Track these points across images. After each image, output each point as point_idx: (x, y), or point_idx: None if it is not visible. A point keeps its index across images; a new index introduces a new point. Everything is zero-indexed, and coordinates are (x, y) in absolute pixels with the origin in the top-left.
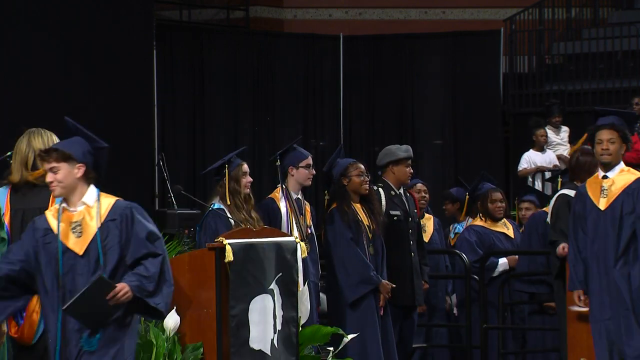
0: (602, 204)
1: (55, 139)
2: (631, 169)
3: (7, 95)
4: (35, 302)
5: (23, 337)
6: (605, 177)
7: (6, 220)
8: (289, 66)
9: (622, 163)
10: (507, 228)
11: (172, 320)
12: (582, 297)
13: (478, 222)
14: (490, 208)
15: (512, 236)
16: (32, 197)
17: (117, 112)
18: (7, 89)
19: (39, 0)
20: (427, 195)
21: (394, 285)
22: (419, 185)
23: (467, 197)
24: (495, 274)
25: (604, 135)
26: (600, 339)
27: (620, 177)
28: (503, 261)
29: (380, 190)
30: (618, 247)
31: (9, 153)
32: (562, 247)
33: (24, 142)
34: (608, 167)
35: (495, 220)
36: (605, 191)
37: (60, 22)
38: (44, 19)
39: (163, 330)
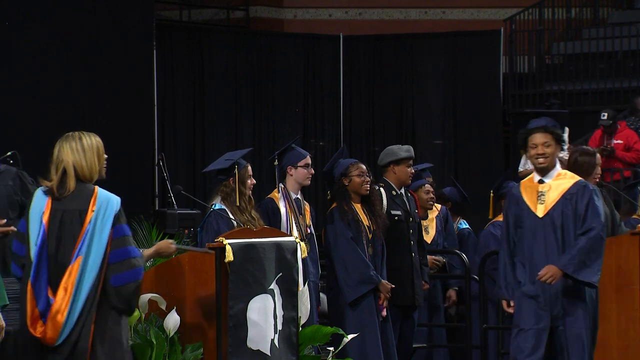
0: (540, 211)
1: (88, 142)
2: (568, 172)
3: (7, 95)
4: (59, 303)
5: (46, 338)
6: (541, 181)
7: (45, 220)
8: (289, 66)
9: (558, 166)
10: None
11: (172, 320)
12: (511, 304)
13: (501, 219)
14: None
15: None
16: (72, 199)
17: (116, 112)
18: (6, 89)
19: (39, 1)
20: (434, 196)
21: (394, 286)
22: (427, 186)
23: (491, 195)
24: None
25: (538, 139)
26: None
27: (558, 182)
28: None
29: (382, 190)
30: (563, 254)
31: (9, 153)
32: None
33: (57, 148)
34: (544, 171)
35: None
36: (542, 197)
37: (60, 22)
38: (44, 19)
39: (163, 330)
